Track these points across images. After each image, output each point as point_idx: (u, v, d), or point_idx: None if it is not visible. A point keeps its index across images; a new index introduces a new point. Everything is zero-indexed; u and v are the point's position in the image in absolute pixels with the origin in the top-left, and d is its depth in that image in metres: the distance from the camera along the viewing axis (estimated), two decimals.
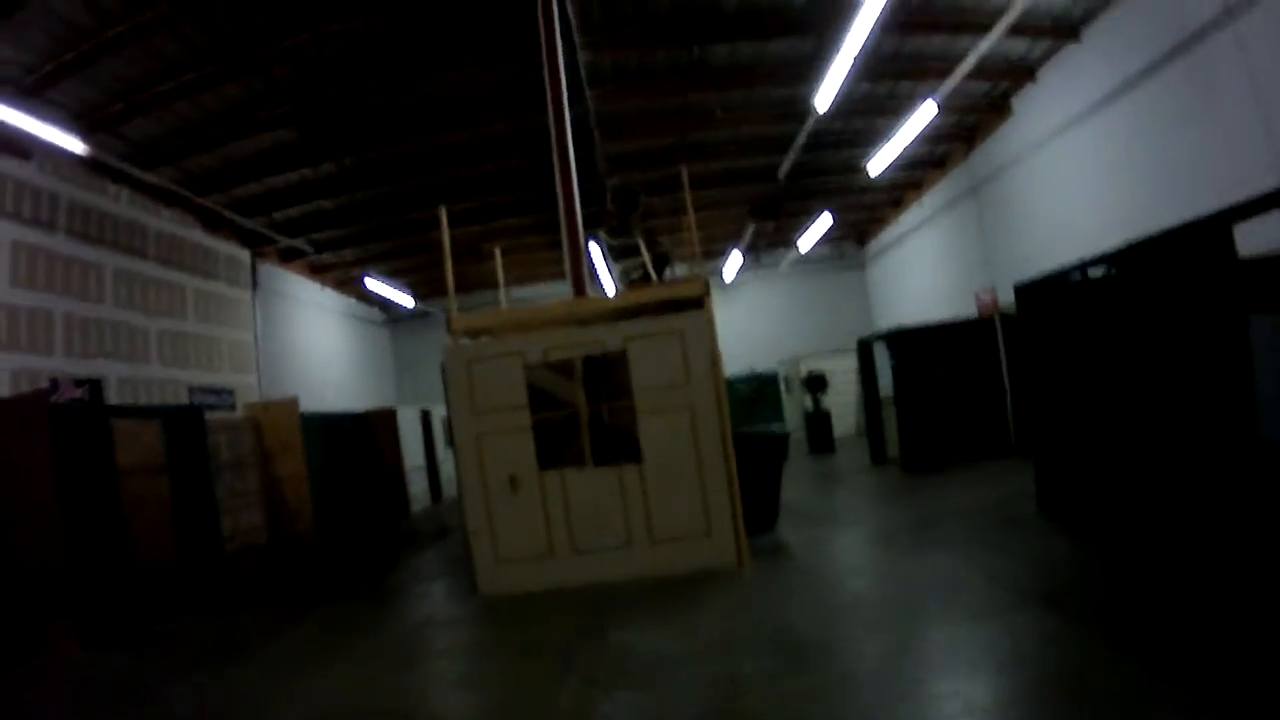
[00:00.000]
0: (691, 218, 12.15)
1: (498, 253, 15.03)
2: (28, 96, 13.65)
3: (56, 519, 9.75)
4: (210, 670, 8.63)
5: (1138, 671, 5.55)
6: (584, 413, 10.98)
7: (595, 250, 20.68)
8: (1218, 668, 5.45)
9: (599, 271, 24.83)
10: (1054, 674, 5.83)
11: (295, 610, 11.44)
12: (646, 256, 12.38)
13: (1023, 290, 11.18)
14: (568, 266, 12.76)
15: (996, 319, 18.45)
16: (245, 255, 23.59)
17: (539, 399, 11.00)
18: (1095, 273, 9.39)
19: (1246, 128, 13.20)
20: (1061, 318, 10.29)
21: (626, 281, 12.72)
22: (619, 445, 10.95)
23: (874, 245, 35.20)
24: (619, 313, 11.93)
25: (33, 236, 15.27)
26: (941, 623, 7.47)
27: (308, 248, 25.71)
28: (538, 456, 10.92)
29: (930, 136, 22.47)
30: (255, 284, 24.11)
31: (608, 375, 10.99)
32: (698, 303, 11.25)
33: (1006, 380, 17.86)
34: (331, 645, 9.27)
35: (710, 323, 11.00)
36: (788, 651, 7.16)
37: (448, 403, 11.46)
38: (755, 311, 35.91)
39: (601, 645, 8.02)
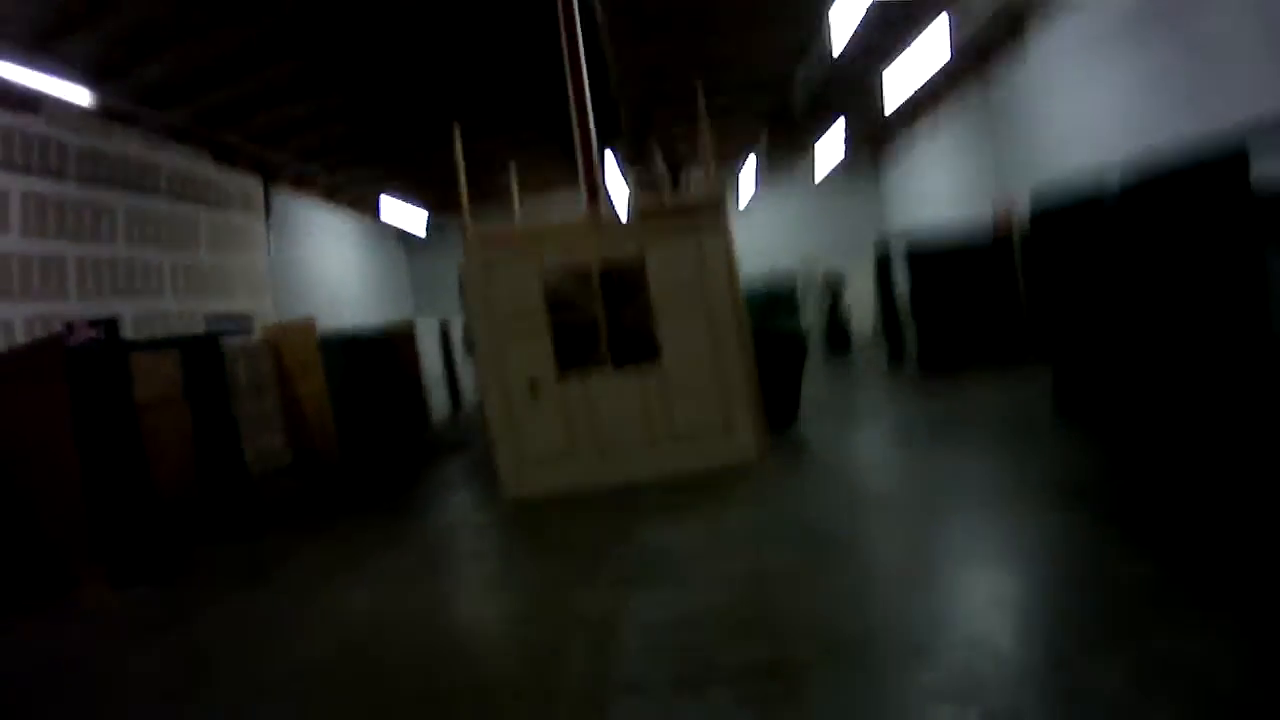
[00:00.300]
0: (706, 130, 12.07)
1: (512, 168, 14.93)
2: (35, 51, 13.53)
3: (77, 462, 9.78)
4: (238, 596, 8.71)
5: (1153, 568, 5.61)
6: (602, 315, 11.02)
7: (610, 161, 20.56)
8: (1229, 563, 5.52)
9: (614, 182, 24.74)
10: (1075, 569, 5.88)
11: (320, 528, 11.57)
12: (663, 167, 12.31)
13: (1039, 204, 11.09)
14: (581, 176, 12.68)
15: (1014, 236, 18.37)
16: (258, 183, 23.44)
17: (558, 303, 11.05)
18: (1111, 193, 9.34)
19: (1265, 43, 12.99)
20: (1078, 231, 10.22)
21: (643, 188, 12.66)
22: (638, 346, 11.01)
23: (889, 155, 34.83)
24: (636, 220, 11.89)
25: (42, 186, 15.18)
26: (963, 517, 7.54)
27: (321, 171, 25.52)
28: (557, 359, 10.99)
29: (945, 48, 22.18)
30: (269, 210, 24.02)
31: (625, 280, 10.99)
32: (714, 208, 11.21)
33: (1022, 290, 17.81)
34: (361, 557, 9.39)
35: (726, 224, 10.99)
36: (812, 547, 7.26)
37: (465, 311, 11.43)
38: (774, 220, 35.45)
39: (627, 544, 8.12)
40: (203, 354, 13.06)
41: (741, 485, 9.86)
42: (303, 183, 26.42)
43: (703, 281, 10.80)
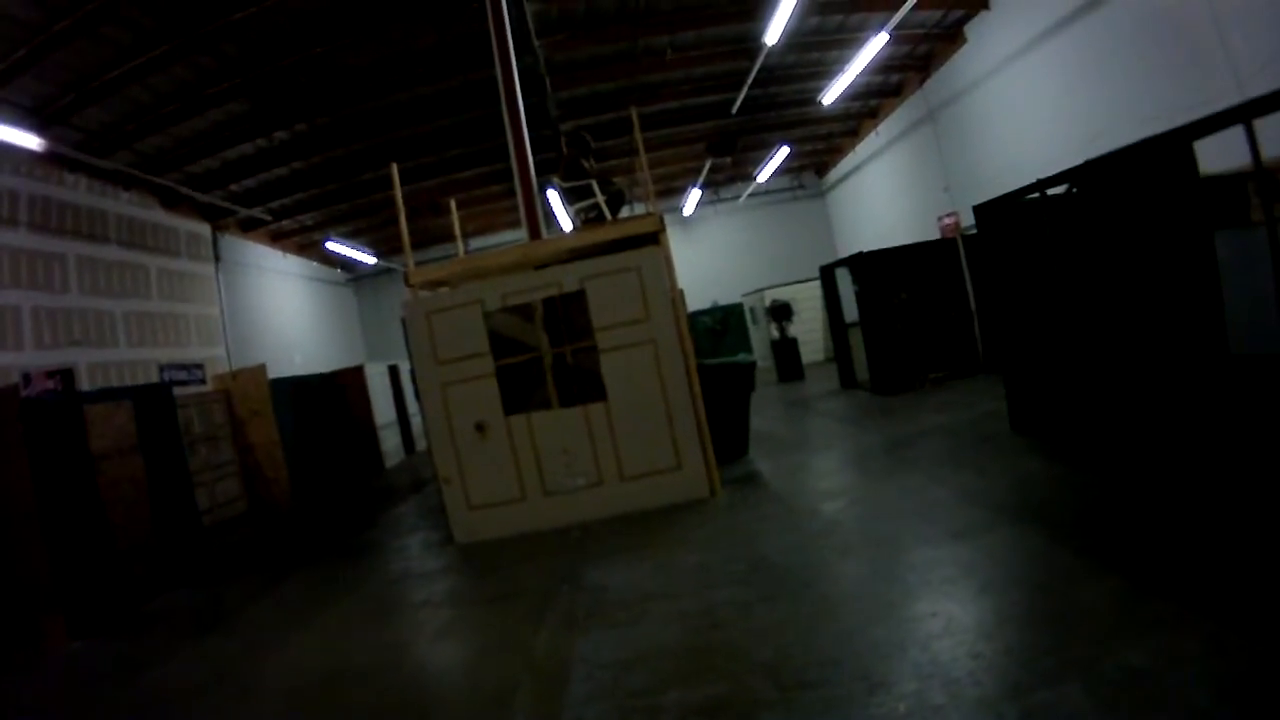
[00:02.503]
0: (643, 158, 12.02)
1: (453, 205, 14.87)
2: None
3: (35, 513, 9.63)
4: (193, 646, 8.59)
5: (1118, 585, 5.54)
6: (547, 355, 10.89)
7: (553, 197, 20.55)
8: (1196, 578, 5.46)
9: (556, 217, 24.73)
10: (1035, 591, 5.85)
11: (274, 576, 11.35)
12: (600, 197, 12.26)
13: (983, 210, 11.08)
14: (522, 211, 12.65)
15: (959, 240, 18.49)
16: (206, 230, 23.57)
17: (501, 344, 10.91)
18: (1056, 191, 9.34)
19: (1206, 52, 13.12)
20: (1024, 237, 10.23)
21: (582, 222, 12.61)
22: (584, 385, 10.88)
23: (833, 174, 35.08)
24: (575, 253, 11.80)
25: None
26: (918, 544, 7.45)
27: (267, 216, 25.44)
28: (503, 402, 10.86)
29: (884, 66, 22.58)
30: (218, 257, 24.11)
31: (569, 316, 10.90)
32: (653, 238, 11.14)
33: (972, 299, 17.90)
34: (311, 607, 9.23)
35: (667, 257, 10.92)
36: (763, 581, 7.15)
37: (410, 356, 11.38)
38: (717, 246, 35.84)
39: (577, 586, 8.01)
40: (155, 403, 12.88)
41: (692, 522, 9.73)
42: (250, 227, 26.34)
43: (646, 314, 10.69)
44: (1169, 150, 7.41)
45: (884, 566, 6.99)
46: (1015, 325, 10.87)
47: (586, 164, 12.73)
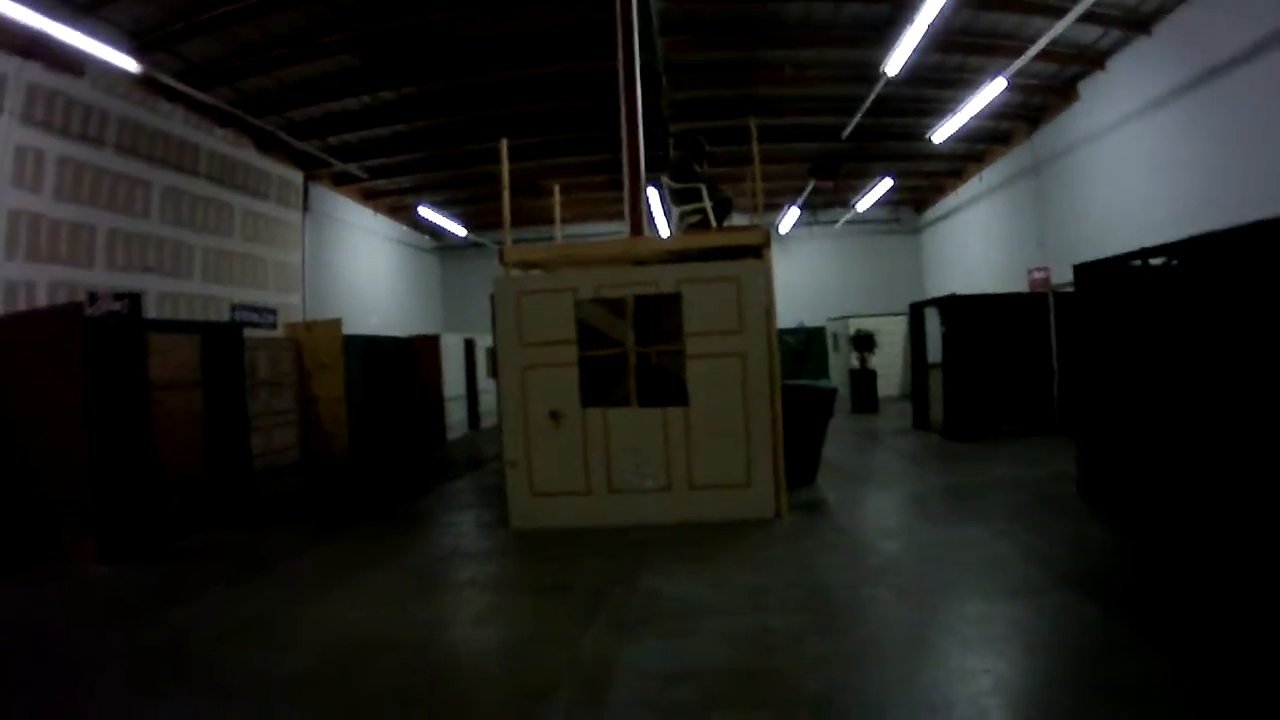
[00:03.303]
0: (757, 169, 11.90)
1: (556, 189, 14.90)
2: (82, 13, 13.55)
3: (82, 431, 9.78)
4: (224, 590, 8.61)
5: (1164, 664, 5.44)
6: (632, 353, 10.88)
7: (654, 196, 20.52)
8: (1244, 666, 5.34)
9: (656, 217, 24.68)
10: (1083, 658, 5.71)
11: (318, 531, 11.50)
12: (708, 202, 12.21)
13: (1083, 271, 10.88)
14: (626, 206, 12.59)
15: (1050, 296, 18.28)
16: (298, 177, 23.74)
17: (588, 336, 10.92)
18: (1158, 260, 9.19)
19: None
20: (1119, 303, 10.02)
21: (685, 226, 12.55)
22: (665, 388, 10.87)
23: (931, 213, 34.78)
24: (675, 255, 11.80)
25: (79, 151, 15.34)
26: (973, 596, 7.37)
27: (362, 174, 25.63)
28: (582, 393, 10.85)
29: (996, 113, 22.21)
30: (306, 206, 24.28)
31: (659, 317, 10.91)
32: (756, 251, 11.10)
33: (1055, 358, 17.70)
34: (351, 568, 9.27)
35: (768, 272, 10.84)
36: (818, 611, 7.10)
37: (494, 333, 11.40)
38: (807, 268, 35.59)
39: (631, 589, 7.96)
40: (223, 341, 13.11)
41: (755, 541, 9.67)
42: (343, 182, 26.51)
43: (740, 326, 10.64)
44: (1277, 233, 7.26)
45: (940, 614, 6.89)
46: (1098, 390, 10.67)
47: (698, 168, 12.69)
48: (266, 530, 11.62)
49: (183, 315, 17.74)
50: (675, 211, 12.91)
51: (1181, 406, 8.72)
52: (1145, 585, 7.40)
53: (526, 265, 12.35)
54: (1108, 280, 10.42)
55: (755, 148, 11.85)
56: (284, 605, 7.96)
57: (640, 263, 11.79)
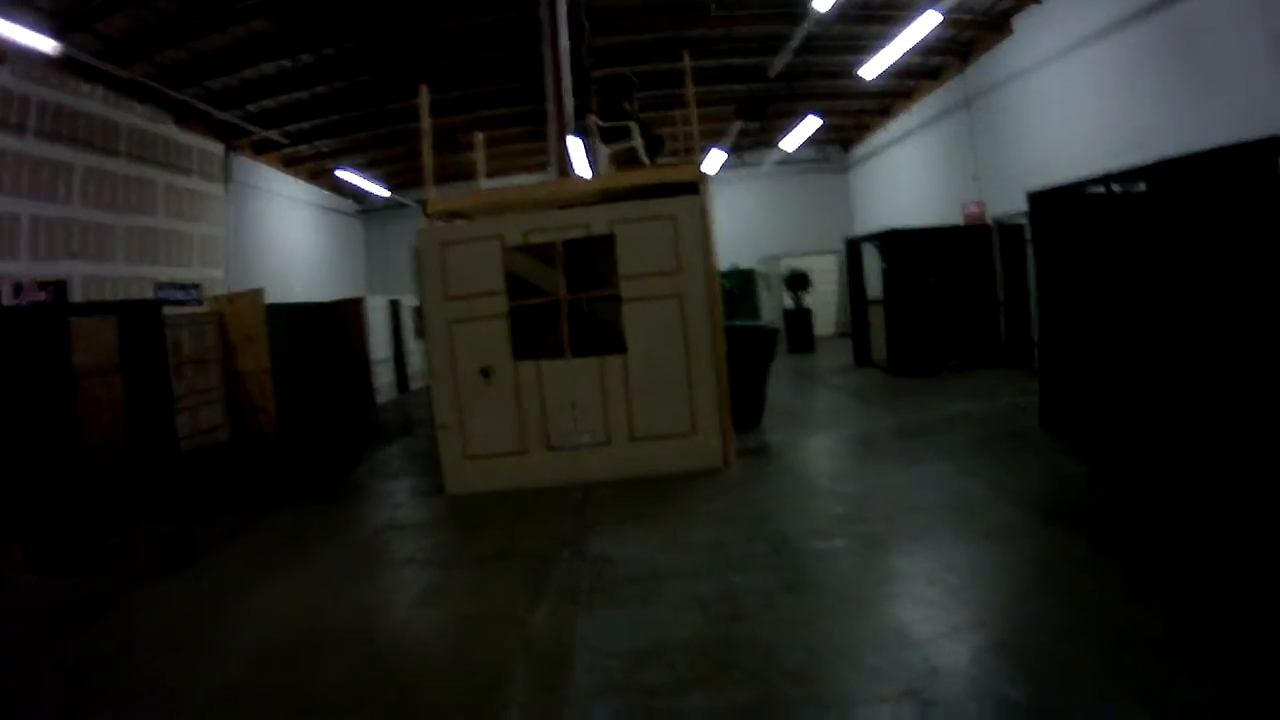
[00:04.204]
0: (693, 107, 11.43)
1: (480, 138, 14.22)
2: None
3: (3, 434, 9.03)
4: (156, 589, 7.95)
5: (1175, 609, 5.06)
6: (565, 300, 10.30)
7: (577, 146, 20.02)
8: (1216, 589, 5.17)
9: (580, 167, 24.14)
10: (1072, 605, 5.31)
11: (250, 515, 10.75)
12: (639, 141, 11.62)
13: (1039, 200, 10.51)
14: (552, 150, 12.02)
15: (994, 228, 17.98)
16: (219, 149, 22.93)
17: (517, 285, 10.33)
18: (1119, 187, 8.87)
19: (1257, 65, 12.47)
20: (1079, 230, 9.71)
21: (616, 165, 12.03)
22: (601, 336, 10.32)
23: (859, 150, 34.39)
24: (607, 195, 11.15)
25: (3, 141, 14.71)
26: (953, 541, 6.92)
27: (283, 140, 24.78)
28: (513, 346, 10.26)
29: (926, 48, 21.74)
30: (228, 178, 23.50)
31: (592, 262, 10.32)
32: (693, 188, 10.50)
33: (1000, 290, 17.40)
34: (286, 555, 8.64)
35: (706, 208, 10.30)
36: (786, 567, 6.61)
37: (418, 289, 10.79)
38: (736, 209, 35.06)
39: (579, 554, 7.44)
40: (142, 320, 12.24)
41: (706, 493, 9.18)
42: (264, 150, 25.70)
43: (678, 266, 10.07)
44: (1251, 158, 7.08)
45: (920, 562, 6.47)
46: (1057, 319, 10.33)
47: (628, 105, 12.15)
48: (197, 518, 10.89)
49: (108, 298, 17.04)
50: (605, 151, 12.32)
51: (1146, 331, 8.57)
52: (1128, 518, 7.04)
53: (451, 216, 11.67)
54: (1065, 207, 10.12)
55: (690, 85, 11.36)
56: (217, 603, 7.29)
57: (569, 206, 11.13)
